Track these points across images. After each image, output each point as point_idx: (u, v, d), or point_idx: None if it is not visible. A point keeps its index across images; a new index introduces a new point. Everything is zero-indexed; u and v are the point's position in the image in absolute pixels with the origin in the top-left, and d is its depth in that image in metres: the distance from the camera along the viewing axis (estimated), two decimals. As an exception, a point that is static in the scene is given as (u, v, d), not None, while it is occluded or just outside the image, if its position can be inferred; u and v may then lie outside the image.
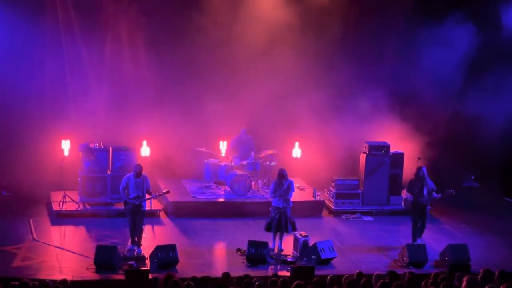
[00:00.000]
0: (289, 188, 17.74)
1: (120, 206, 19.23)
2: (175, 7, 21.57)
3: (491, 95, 21.69)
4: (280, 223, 17.71)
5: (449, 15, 21.79)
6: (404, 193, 19.01)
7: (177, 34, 21.57)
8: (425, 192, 18.34)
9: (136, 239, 17.44)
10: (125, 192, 17.42)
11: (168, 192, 18.57)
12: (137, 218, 17.44)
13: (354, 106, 22.18)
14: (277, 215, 17.71)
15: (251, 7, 21.82)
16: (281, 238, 17.88)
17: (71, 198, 20.02)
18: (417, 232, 18.52)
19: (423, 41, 22.12)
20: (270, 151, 21.80)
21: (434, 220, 20.24)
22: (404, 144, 21.70)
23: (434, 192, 18.40)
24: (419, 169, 18.64)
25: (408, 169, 20.98)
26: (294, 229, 17.82)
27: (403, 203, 20.45)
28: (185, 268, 16.58)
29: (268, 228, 17.90)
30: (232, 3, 21.66)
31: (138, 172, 17.42)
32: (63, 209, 19.79)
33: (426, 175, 18.45)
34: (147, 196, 17.58)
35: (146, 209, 18.07)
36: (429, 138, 21.95)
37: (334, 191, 21.14)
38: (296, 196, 18.84)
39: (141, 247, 17.39)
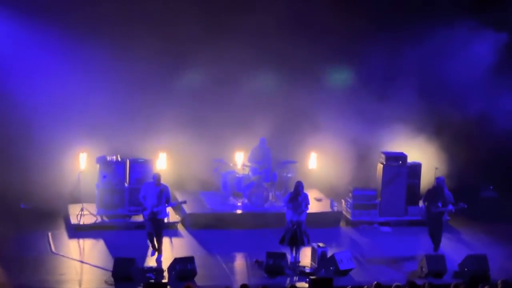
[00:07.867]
0: (304, 201, 17.73)
1: (138, 218, 19.28)
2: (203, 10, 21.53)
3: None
4: (295, 237, 17.67)
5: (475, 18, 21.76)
6: (421, 203, 18.97)
7: (195, 46, 21.59)
8: (439, 203, 18.28)
9: (156, 245, 17.55)
10: (144, 200, 17.53)
11: (185, 202, 18.62)
12: (157, 225, 17.54)
13: (370, 115, 22.12)
14: (292, 229, 17.69)
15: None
16: (297, 251, 17.84)
17: (88, 211, 20.05)
18: (434, 244, 18.46)
19: (444, 48, 22.08)
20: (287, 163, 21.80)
21: (453, 230, 20.14)
22: (421, 153, 21.62)
23: (450, 204, 18.36)
24: (437, 179, 18.67)
25: (426, 179, 20.91)
26: (308, 242, 17.80)
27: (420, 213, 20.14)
28: (204, 280, 16.57)
29: (281, 241, 17.88)
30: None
31: (158, 181, 17.53)
32: (81, 222, 19.81)
33: (444, 186, 18.42)
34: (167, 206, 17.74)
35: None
36: (447, 148, 21.89)
37: (351, 201, 21.08)
38: (314, 207, 18.83)
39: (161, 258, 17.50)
